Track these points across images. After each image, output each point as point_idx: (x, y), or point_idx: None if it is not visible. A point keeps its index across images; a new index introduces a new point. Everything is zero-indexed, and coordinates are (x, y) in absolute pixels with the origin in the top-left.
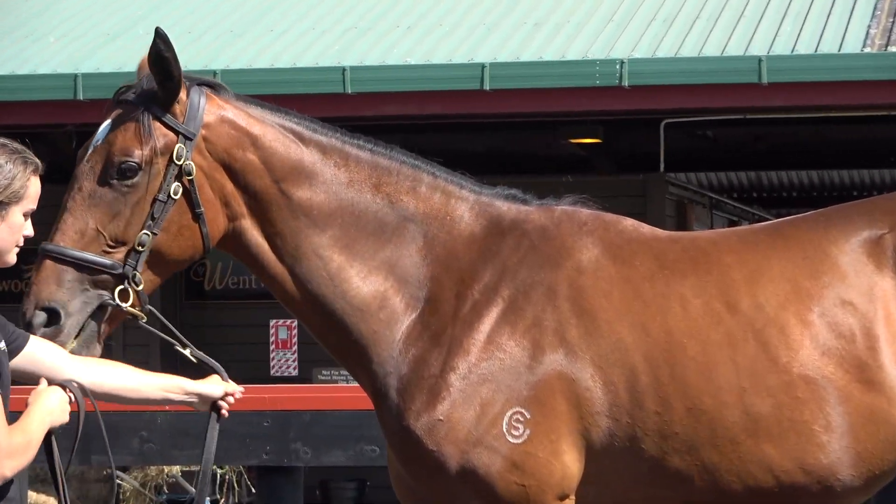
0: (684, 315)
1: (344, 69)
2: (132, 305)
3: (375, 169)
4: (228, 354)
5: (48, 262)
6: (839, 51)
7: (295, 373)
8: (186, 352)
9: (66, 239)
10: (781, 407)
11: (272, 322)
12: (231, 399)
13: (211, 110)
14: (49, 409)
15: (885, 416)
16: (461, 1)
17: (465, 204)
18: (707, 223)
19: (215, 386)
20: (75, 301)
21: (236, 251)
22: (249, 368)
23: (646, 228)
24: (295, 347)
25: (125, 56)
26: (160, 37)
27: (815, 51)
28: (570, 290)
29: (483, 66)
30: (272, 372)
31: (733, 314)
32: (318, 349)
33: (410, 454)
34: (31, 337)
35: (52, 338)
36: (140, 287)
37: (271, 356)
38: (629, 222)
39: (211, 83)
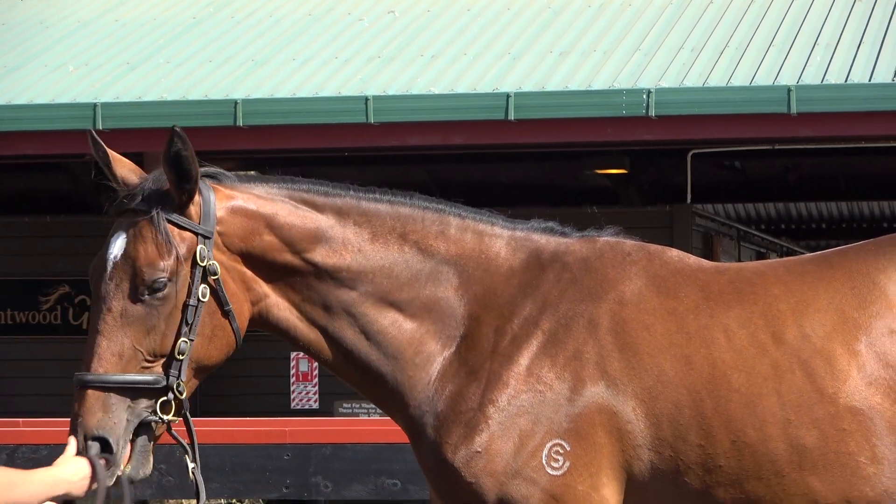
0: (729, 347)
1: (367, 98)
2: (174, 415)
3: (398, 219)
4: (250, 387)
5: (90, 393)
6: (869, 80)
7: (316, 406)
8: (191, 467)
9: (105, 364)
10: (827, 439)
11: (293, 355)
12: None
13: (221, 204)
14: (59, 478)
15: None
16: (486, 30)
17: (499, 240)
18: (734, 255)
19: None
20: (121, 424)
21: (266, 328)
22: (270, 401)
23: (691, 259)
24: (316, 380)
25: (145, 86)
26: (178, 136)
27: (846, 81)
28: (612, 322)
29: (508, 95)
30: (293, 405)
31: (779, 345)
32: (338, 382)
33: (449, 488)
34: None
35: (108, 467)
36: (184, 396)
37: (292, 389)
38: (674, 253)
39: (211, 173)
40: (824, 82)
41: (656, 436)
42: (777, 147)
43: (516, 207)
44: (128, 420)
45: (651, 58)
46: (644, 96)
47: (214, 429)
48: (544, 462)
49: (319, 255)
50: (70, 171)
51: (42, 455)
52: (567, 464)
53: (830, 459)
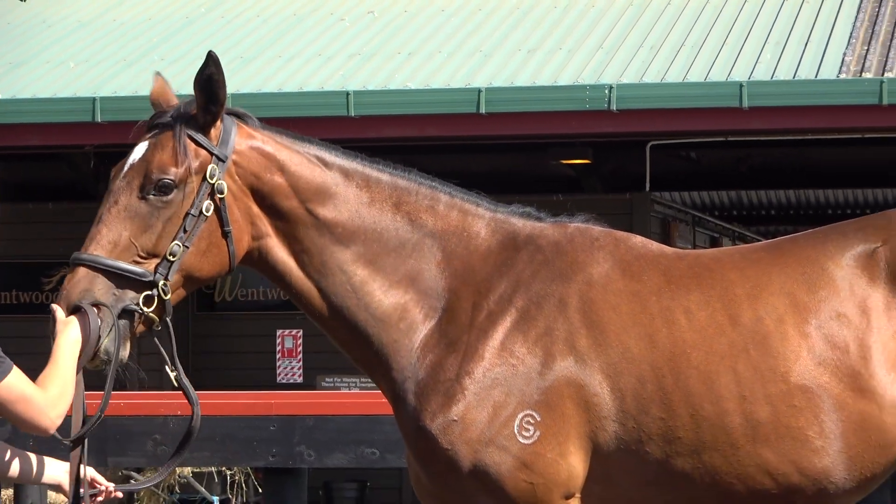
0: (689, 327)
1: (348, 93)
2: (155, 313)
3: (395, 189)
4: (237, 362)
5: (81, 269)
6: (816, 77)
7: (300, 380)
8: (172, 375)
9: (100, 248)
10: (779, 414)
11: (279, 332)
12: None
13: (241, 138)
14: (74, 340)
15: (876, 423)
16: (460, 29)
17: (481, 221)
18: (690, 239)
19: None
20: (104, 300)
21: (263, 269)
22: (257, 376)
23: (654, 245)
24: (300, 356)
25: (141, 81)
26: (213, 60)
27: (794, 77)
28: (580, 302)
29: (479, 90)
30: (278, 379)
31: (735, 326)
32: (321, 358)
33: (426, 453)
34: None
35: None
36: (167, 297)
37: (277, 364)
38: (638, 239)
39: (239, 113)
40: (774, 78)
41: (620, 408)
42: (730, 139)
43: (488, 195)
44: (112, 306)
45: (613, 55)
46: (606, 91)
47: (204, 401)
48: (516, 431)
49: (321, 208)
50: (71, 160)
51: None
52: (537, 433)
53: (782, 433)
